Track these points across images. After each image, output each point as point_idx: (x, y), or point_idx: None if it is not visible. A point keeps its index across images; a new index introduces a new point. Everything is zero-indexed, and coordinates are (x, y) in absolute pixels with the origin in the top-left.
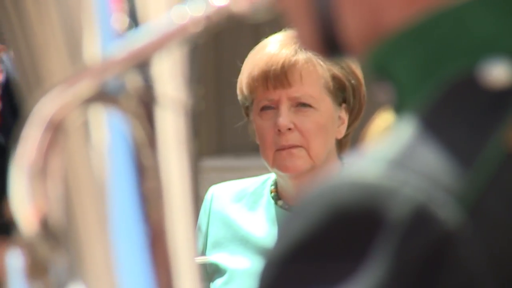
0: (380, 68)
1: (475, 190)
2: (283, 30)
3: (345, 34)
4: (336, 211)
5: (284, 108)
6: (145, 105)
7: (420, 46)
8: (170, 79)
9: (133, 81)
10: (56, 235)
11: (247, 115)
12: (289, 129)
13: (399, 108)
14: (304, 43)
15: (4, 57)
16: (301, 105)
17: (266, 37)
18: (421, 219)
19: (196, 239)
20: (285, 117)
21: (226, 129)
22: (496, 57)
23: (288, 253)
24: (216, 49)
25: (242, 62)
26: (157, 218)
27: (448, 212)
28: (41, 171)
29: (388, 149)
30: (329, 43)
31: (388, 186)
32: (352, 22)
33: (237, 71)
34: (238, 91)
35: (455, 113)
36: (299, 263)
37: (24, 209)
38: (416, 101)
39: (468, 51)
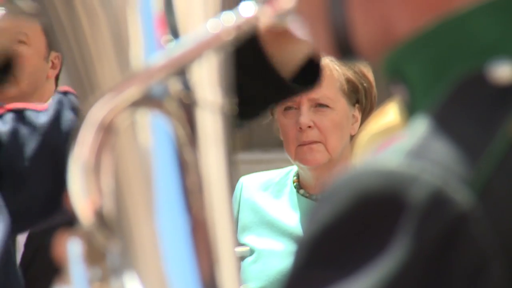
0: (394, 71)
1: (483, 176)
2: None
3: (357, 40)
4: (362, 196)
5: (305, 108)
6: (186, 108)
7: (429, 51)
8: (208, 84)
9: (175, 86)
10: (110, 225)
11: (272, 114)
12: (309, 126)
13: (412, 107)
14: (321, 48)
15: None
16: (319, 105)
17: None
18: (439, 201)
19: (234, 227)
20: (306, 116)
21: (254, 126)
22: (500, 59)
23: (319, 235)
24: None
25: None
26: (199, 209)
27: (461, 195)
28: (94, 168)
29: (406, 142)
30: (343, 48)
31: (408, 173)
32: (364, 30)
33: None
34: None
35: (465, 107)
36: (329, 244)
37: (81, 202)
38: (428, 100)
39: (474, 55)
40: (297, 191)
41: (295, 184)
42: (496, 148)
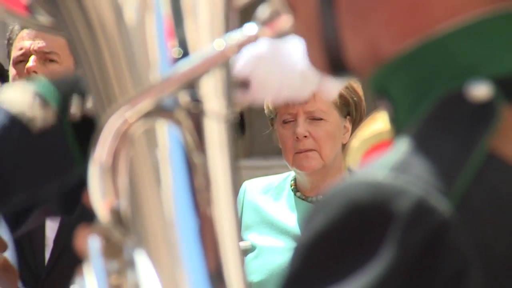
0: (380, 88)
1: (460, 188)
2: None
3: (348, 58)
4: (352, 205)
5: (301, 120)
6: (194, 117)
7: (411, 71)
8: (214, 96)
9: (184, 98)
10: (125, 222)
11: (272, 125)
12: (305, 136)
13: (396, 121)
14: (314, 66)
15: None
16: (314, 117)
17: None
18: (422, 210)
19: (238, 223)
20: (302, 127)
21: (256, 136)
22: (477, 79)
23: (312, 242)
24: None
25: None
26: (206, 207)
27: (441, 206)
28: (111, 171)
29: (391, 158)
30: (335, 65)
31: (394, 185)
32: (353, 49)
33: None
34: (265, 107)
35: (444, 124)
36: (322, 250)
37: (99, 201)
38: (411, 117)
39: (453, 76)
40: (295, 194)
41: (292, 187)
42: (473, 162)
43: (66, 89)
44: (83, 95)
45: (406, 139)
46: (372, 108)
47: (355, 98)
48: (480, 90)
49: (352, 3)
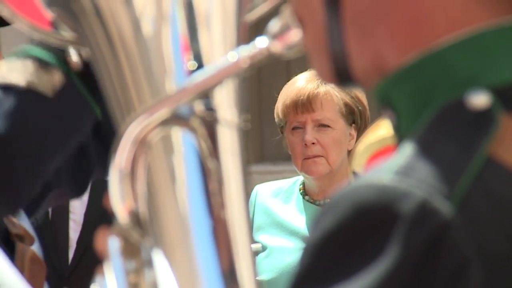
0: (384, 99)
1: (461, 191)
2: (308, 69)
3: (354, 70)
4: (359, 207)
5: (309, 128)
6: (208, 125)
7: (413, 83)
8: (226, 105)
9: (199, 107)
10: (143, 224)
11: (282, 132)
12: (313, 143)
13: (399, 129)
14: (322, 76)
15: None
16: (321, 125)
17: (296, 75)
18: (426, 211)
19: (250, 225)
20: (310, 135)
21: (266, 142)
22: (476, 89)
23: (320, 242)
24: (258, 83)
25: (278, 94)
26: (219, 209)
27: (443, 207)
28: (130, 176)
29: (395, 162)
30: (341, 76)
31: (399, 188)
32: (359, 61)
33: (274, 100)
34: (275, 115)
35: (446, 130)
36: (330, 249)
37: (119, 205)
38: (413, 126)
39: (453, 86)
40: (303, 197)
41: (301, 191)
42: (473, 167)
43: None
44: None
45: (409, 144)
46: (376, 116)
47: (359, 107)
48: (480, 99)
49: (358, 17)
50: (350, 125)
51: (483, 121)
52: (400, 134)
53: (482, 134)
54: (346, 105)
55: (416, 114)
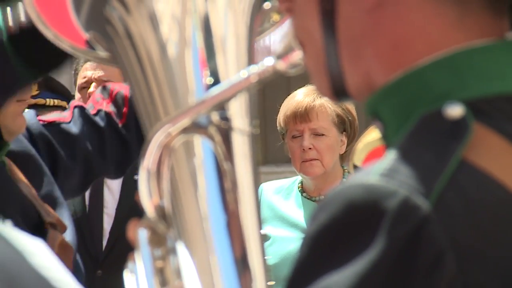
0: (373, 112)
1: (437, 191)
2: (306, 85)
3: (348, 87)
4: (349, 204)
5: (306, 135)
6: (224, 132)
7: (396, 97)
8: (239, 115)
9: (216, 117)
10: (168, 217)
11: (283, 139)
12: (310, 148)
13: (386, 138)
14: (321, 92)
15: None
16: (317, 133)
17: (295, 90)
18: (408, 208)
19: (259, 220)
20: (307, 141)
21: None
22: (452, 103)
23: (316, 234)
24: (263, 97)
25: (280, 106)
26: (233, 206)
27: (423, 204)
28: (156, 175)
29: (380, 167)
30: (337, 92)
31: (384, 187)
32: (352, 80)
33: (276, 111)
34: (277, 124)
35: (425, 137)
36: (325, 240)
37: (147, 200)
38: (398, 134)
39: (430, 100)
40: (301, 194)
41: (299, 189)
42: (448, 169)
43: None
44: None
45: (393, 150)
46: (363, 125)
47: (350, 118)
48: (455, 110)
49: (350, 42)
50: (342, 133)
51: (458, 129)
52: (387, 142)
53: (457, 141)
54: (338, 116)
55: (400, 124)
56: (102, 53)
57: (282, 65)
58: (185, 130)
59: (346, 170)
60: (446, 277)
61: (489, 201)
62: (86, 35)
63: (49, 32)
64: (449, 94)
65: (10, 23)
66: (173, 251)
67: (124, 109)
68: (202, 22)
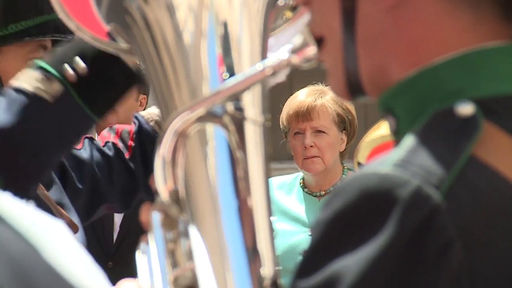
0: (386, 107)
1: (447, 183)
2: (308, 85)
3: (363, 84)
4: (363, 191)
5: (308, 133)
6: (237, 122)
7: (411, 93)
8: (252, 106)
9: (230, 107)
10: (181, 202)
11: (286, 137)
12: (311, 146)
13: (397, 133)
14: (335, 87)
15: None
16: (318, 131)
17: (297, 90)
18: (420, 197)
19: (269, 208)
20: (309, 139)
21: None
22: (463, 101)
23: (331, 219)
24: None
25: (283, 105)
26: (244, 193)
27: (434, 194)
28: (171, 162)
29: (395, 155)
30: (353, 90)
31: (398, 176)
32: (368, 76)
33: (279, 110)
34: (280, 123)
35: (438, 133)
36: (338, 226)
37: (161, 186)
38: (410, 128)
39: (443, 98)
40: (303, 190)
41: (301, 185)
42: (458, 164)
43: (58, 61)
44: (72, 62)
45: (406, 142)
46: (361, 124)
47: (349, 117)
48: (466, 108)
49: (368, 40)
50: (342, 131)
51: (468, 127)
52: (398, 136)
53: (467, 138)
54: (338, 115)
55: (413, 119)
56: (122, 44)
57: (296, 59)
58: (200, 119)
59: (345, 167)
60: (453, 265)
61: (495, 195)
62: (107, 27)
63: (71, 24)
64: (461, 92)
65: (70, 72)
66: (184, 234)
67: (130, 143)
68: (218, 16)
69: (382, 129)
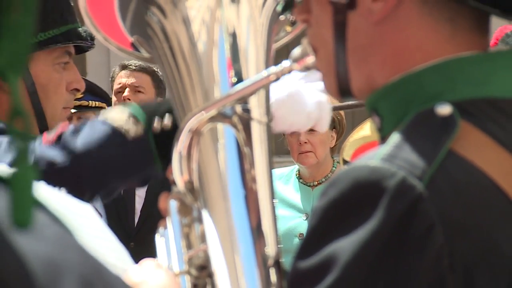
0: (372, 107)
1: (429, 174)
2: None
3: (353, 87)
4: (356, 182)
5: (303, 132)
6: (245, 122)
7: (395, 95)
8: (257, 107)
9: (238, 108)
10: (195, 191)
11: (283, 135)
12: (305, 142)
13: (382, 130)
14: (328, 90)
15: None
16: (311, 130)
17: None
18: (405, 187)
19: (272, 195)
20: (303, 137)
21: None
22: (442, 102)
23: (327, 206)
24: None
25: None
26: (251, 183)
27: (418, 184)
28: (187, 156)
29: (382, 152)
30: (343, 92)
31: (386, 169)
32: (357, 82)
33: None
34: None
35: (420, 130)
36: (333, 212)
37: (178, 177)
38: (394, 126)
39: (424, 100)
40: (298, 180)
41: (297, 176)
42: (438, 157)
43: (150, 111)
44: (162, 116)
45: (392, 139)
46: (349, 124)
47: (338, 117)
48: (445, 109)
49: (357, 49)
50: (332, 130)
51: (447, 125)
52: (384, 133)
53: (446, 134)
54: None
55: (396, 118)
56: (144, 53)
57: (297, 67)
58: (212, 119)
59: (335, 161)
60: (435, 245)
61: (471, 184)
62: (131, 39)
63: (100, 35)
64: (440, 95)
65: (156, 124)
66: (198, 219)
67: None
68: (228, 29)
69: (365, 130)
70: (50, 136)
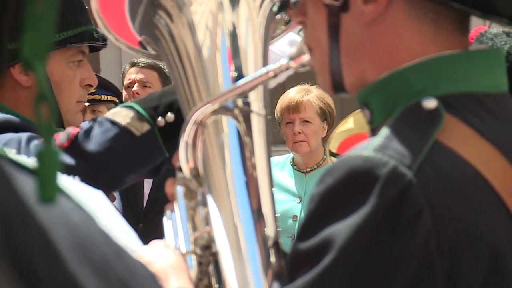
0: (363, 101)
1: (417, 163)
2: (296, 85)
3: (345, 83)
4: (350, 170)
5: (297, 123)
6: (245, 114)
7: (383, 91)
8: (257, 101)
9: (239, 102)
10: (200, 177)
11: (279, 126)
12: (299, 132)
13: (372, 123)
14: (323, 86)
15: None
16: (305, 121)
17: (289, 89)
18: (396, 174)
19: (271, 181)
20: (297, 127)
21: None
22: (427, 97)
23: (323, 192)
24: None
25: (277, 100)
26: (251, 170)
27: (407, 172)
28: (192, 145)
29: (373, 143)
30: (336, 87)
31: (378, 158)
32: (349, 78)
33: (274, 105)
34: (275, 114)
35: (408, 122)
36: (329, 198)
37: (185, 164)
38: (384, 120)
39: (410, 96)
40: (293, 167)
41: (291, 163)
42: (426, 147)
43: (152, 107)
44: (164, 109)
45: (383, 131)
46: (339, 116)
47: (329, 110)
48: (431, 102)
49: (350, 49)
50: (323, 121)
51: (433, 117)
52: (374, 126)
53: (433, 126)
54: (320, 108)
55: (384, 112)
56: (152, 52)
57: (293, 65)
58: (216, 112)
59: (326, 149)
60: (424, 228)
61: (455, 172)
62: (139, 38)
63: (111, 36)
64: (424, 91)
65: (160, 119)
66: (202, 203)
67: None
68: (229, 31)
69: (349, 123)
70: (62, 139)
